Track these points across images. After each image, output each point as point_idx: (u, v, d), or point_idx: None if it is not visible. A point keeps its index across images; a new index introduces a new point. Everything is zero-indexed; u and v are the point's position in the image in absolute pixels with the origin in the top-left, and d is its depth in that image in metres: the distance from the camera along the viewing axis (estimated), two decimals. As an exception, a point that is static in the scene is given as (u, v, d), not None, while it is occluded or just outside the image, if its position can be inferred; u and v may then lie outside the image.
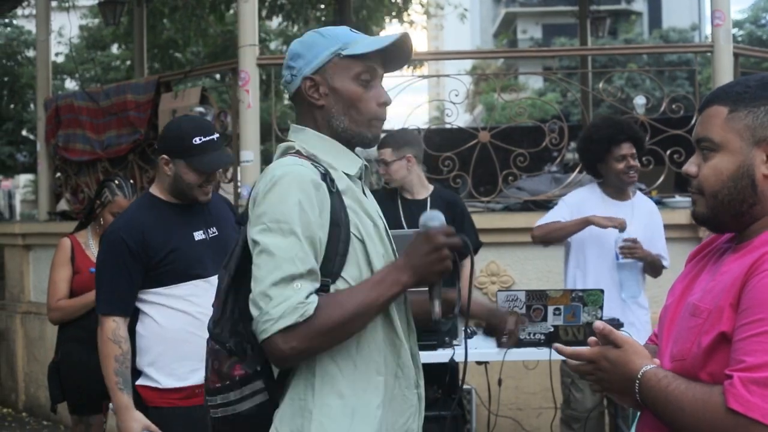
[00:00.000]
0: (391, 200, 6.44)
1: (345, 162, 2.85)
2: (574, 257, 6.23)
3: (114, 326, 4.34)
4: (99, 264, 4.52)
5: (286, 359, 2.60)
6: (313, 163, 2.75)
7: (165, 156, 4.49)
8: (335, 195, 2.72)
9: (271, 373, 2.75)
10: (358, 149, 2.95)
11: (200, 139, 4.41)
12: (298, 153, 2.82)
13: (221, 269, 2.89)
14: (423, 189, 6.46)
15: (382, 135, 6.57)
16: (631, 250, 5.91)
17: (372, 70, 2.84)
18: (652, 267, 6.10)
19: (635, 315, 6.06)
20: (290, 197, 2.60)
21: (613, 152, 6.06)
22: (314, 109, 2.86)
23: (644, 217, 6.16)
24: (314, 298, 2.56)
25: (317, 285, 2.61)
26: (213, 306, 2.90)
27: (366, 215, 2.83)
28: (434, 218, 2.75)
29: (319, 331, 2.55)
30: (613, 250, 6.00)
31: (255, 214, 2.65)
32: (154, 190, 4.61)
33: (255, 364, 2.75)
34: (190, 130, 4.47)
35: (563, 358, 5.26)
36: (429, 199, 6.41)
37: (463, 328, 2.96)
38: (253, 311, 2.57)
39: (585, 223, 6.00)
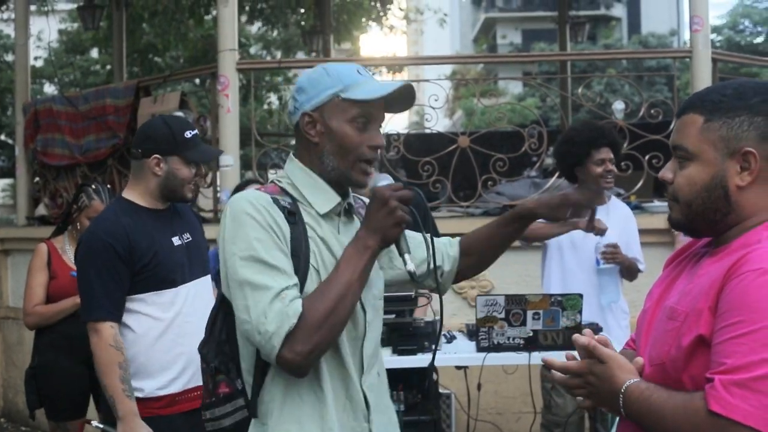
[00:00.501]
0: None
1: (320, 199, 2.91)
2: (552, 261, 6.25)
3: (113, 332, 4.26)
4: (86, 269, 4.37)
5: (300, 366, 2.67)
6: (281, 196, 2.87)
7: (157, 156, 4.44)
8: (297, 226, 2.81)
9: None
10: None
11: (190, 133, 4.47)
12: (273, 183, 2.95)
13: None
14: None
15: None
16: (612, 255, 5.92)
17: (369, 114, 2.88)
18: (629, 271, 6.12)
19: (615, 319, 6.08)
20: (249, 224, 2.72)
21: (593, 156, 6.06)
22: (309, 144, 2.91)
23: (620, 222, 6.18)
24: (298, 301, 2.65)
25: (297, 291, 2.70)
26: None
27: (328, 251, 2.86)
28: (381, 179, 2.87)
29: (315, 325, 2.63)
30: (592, 255, 6.01)
31: (225, 250, 2.75)
32: (129, 195, 4.54)
33: (237, 383, 2.89)
34: (178, 125, 4.49)
35: (541, 362, 5.29)
36: None
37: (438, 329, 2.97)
38: (255, 337, 2.65)
39: (572, 225, 6.00)
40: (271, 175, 2.87)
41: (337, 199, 2.93)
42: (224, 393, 2.92)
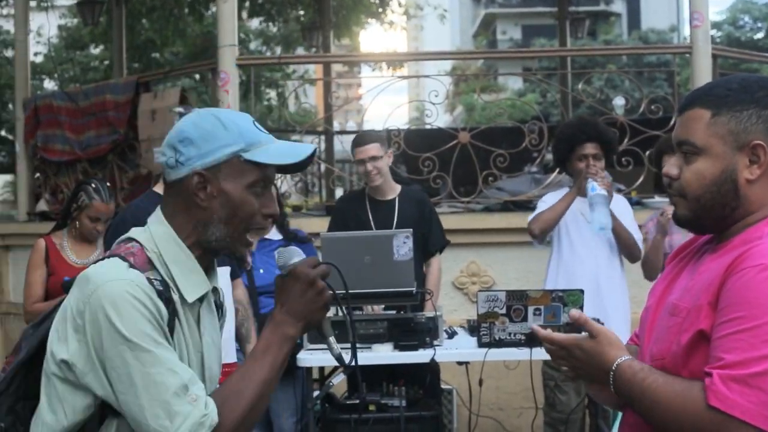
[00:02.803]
0: (360, 202, 6.45)
1: (189, 283, 2.46)
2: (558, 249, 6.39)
3: None
4: None
5: None
6: (153, 274, 2.40)
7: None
8: (171, 316, 2.39)
9: None
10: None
11: None
12: (141, 249, 2.44)
13: (29, 330, 2.61)
14: (392, 189, 6.46)
15: (362, 133, 6.62)
16: (601, 176, 6.09)
17: (267, 179, 2.51)
18: (626, 245, 6.25)
19: (617, 316, 6.10)
20: (131, 312, 2.26)
21: (576, 152, 6.24)
22: (192, 208, 2.46)
23: (615, 210, 6.26)
24: (212, 404, 2.28)
25: (202, 384, 2.33)
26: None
27: (185, 347, 2.45)
28: (293, 254, 2.51)
29: (231, 429, 2.29)
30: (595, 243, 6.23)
31: (102, 337, 2.27)
32: (158, 188, 4.71)
33: None
34: None
35: (545, 358, 5.29)
36: (397, 199, 6.42)
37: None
38: None
39: (569, 198, 6.23)
40: (135, 232, 2.58)
41: (207, 285, 2.52)
42: None
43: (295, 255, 2.51)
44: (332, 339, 2.56)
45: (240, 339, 5.52)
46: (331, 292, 2.51)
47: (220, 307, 2.72)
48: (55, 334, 2.37)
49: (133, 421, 2.26)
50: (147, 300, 2.29)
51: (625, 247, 6.26)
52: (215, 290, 2.64)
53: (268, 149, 2.48)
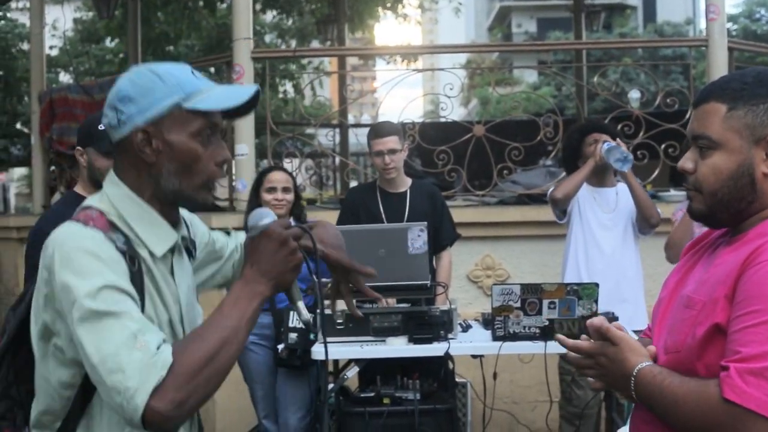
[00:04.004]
0: (371, 194, 6.44)
1: (155, 237, 2.46)
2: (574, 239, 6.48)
3: None
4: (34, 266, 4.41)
5: (171, 418, 2.18)
6: (114, 233, 2.36)
7: (79, 147, 4.72)
8: (136, 273, 2.35)
9: None
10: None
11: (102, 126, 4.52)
12: (101, 213, 2.40)
13: (9, 313, 2.60)
14: (403, 182, 6.45)
15: (381, 123, 6.60)
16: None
17: (213, 125, 2.48)
18: (644, 204, 6.34)
19: (631, 309, 6.12)
20: (85, 269, 2.23)
21: (586, 141, 6.47)
22: (142, 164, 2.44)
23: (629, 199, 6.40)
24: (166, 347, 2.21)
25: (161, 334, 2.27)
26: None
27: (162, 303, 2.45)
28: (265, 215, 2.51)
29: (189, 373, 2.19)
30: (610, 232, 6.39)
31: (58, 296, 2.25)
32: (78, 189, 4.80)
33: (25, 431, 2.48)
34: (92, 118, 4.70)
35: (560, 352, 5.28)
36: (409, 192, 6.41)
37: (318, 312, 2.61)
38: (114, 399, 2.17)
39: (588, 167, 6.37)
40: (92, 199, 2.49)
41: (174, 235, 2.51)
42: None
43: (267, 216, 2.51)
44: (301, 303, 2.54)
45: None
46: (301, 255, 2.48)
47: (191, 249, 2.71)
48: (33, 306, 2.38)
49: (94, 380, 2.23)
50: (102, 252, 2.27)
51: (643, 207, 6.32)
52: (185, 239, 2.63)
53: (208, 96, 2.45)
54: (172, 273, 2.52)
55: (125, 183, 2.46)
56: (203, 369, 2.22)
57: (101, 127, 4.46)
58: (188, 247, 2.67)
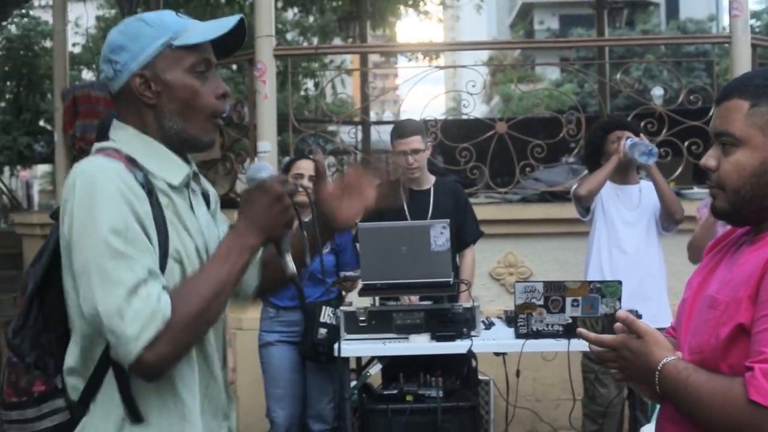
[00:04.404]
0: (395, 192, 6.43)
1: (169, 169, 2.52)
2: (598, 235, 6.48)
3: None
4: None
5: (159, 369, 2.30)
6: (130, 167, 2.42)
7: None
8: (156, 207, 2.41)
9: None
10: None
11: None
12: (116, 152, 2.47)
13: (29, 269, 2.61)
14: (427, 180, 6.44)
15: (404, 122, 6.58)
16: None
17: (207, 61, 2.55)
18: (668, 199, 6.34)
19: (655, 308, 6.10)
20: (106, 198, 2.30)
21: (609, 139, 6.46)
22: (144, 108, 2.51)
23: (652, 196, 6.40)
24: (166, 298, 2.29)
25: (163, 281, 2.33)
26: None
27: (186, 233, 2.51)
28: (262, 169, 2.55)
29: (182, 328, 2.29)
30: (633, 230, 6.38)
31: (72, 225, 2.32)
32: None
33: (57, 381, 2.51)
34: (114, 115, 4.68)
35: (582, 350, 5.27)
36: (432, 190, 6.40)
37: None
38: (108, 337, 2.26)
39: (612, 164, 6.35)
40: (101, 144, 2.58)
41: (186, 168, 2.57)
42: (39, 392, 2.50)
43: (265, 170, 2.55)
44: (288, 257, 2.57)
45: None
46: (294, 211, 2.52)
47: (207, 195, 2.77)
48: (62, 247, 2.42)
49: (89, 316, 2.29)
50: (124, 184, 2.34)
51: (668, 202, 6.32)
52: (196, 176, 2.69)
53: (195, 31, 2.52)
54: (191, 208, 2.59)
55: (131, 126, 2.54)
56: (195, 323, 2.33)
57: None
58: (204, 191, 2.75)
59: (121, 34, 2.52)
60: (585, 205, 6.44)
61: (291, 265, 2.57)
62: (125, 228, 2.29)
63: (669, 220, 6.33)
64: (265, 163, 2.61)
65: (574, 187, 6.55)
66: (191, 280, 2.40)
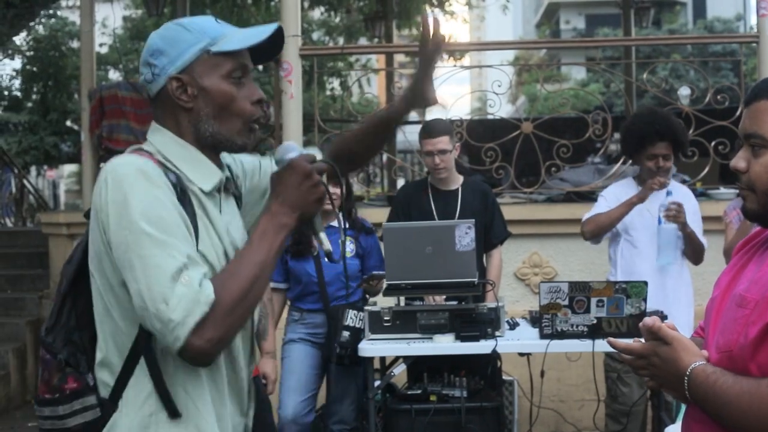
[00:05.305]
0: (422, 191, 6.43)
1: (202, 174, 2.57)
2: (620, 245, 6.31)
3: None
4: None
5: (208, 354, 2.34)
6: (165, 169, 2.49)
7: None
8: (186, 207, 2.46)
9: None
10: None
11: None
12: (149, 154, 2.54)
13: (64, 268, 2.67)
14: (455, 180, 6.43)
15: (433, 122, 6.56)
16: (675, 212, 5.91)
17: (243, 67, 2.59)
18: (692, 246, 6.12)
19: (681, 308, 6.05)
20: (139, 190, 2.36)
21: (647, 149, 6.14)
22: (180, 111, 2.56)
23: (686, 210, 6.14)
24: (207, 283, 2.33)
25: (204, 268, 2.39)
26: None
27: (216, 236, 2.55)
28: (290, 149, 2.63)
29: (228, 311, 2.33)
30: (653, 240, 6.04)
31: (108, 221, 2.39)
32: None
33: (89, 378, 2.54)
34: None
35: (606, 350, 5.25)
36: (460, 190, 6.39)
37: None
38: (155, 325, 2.29)
39: (628, 206, 6.08)
40: (138, 146, 2.69)
41: (219, 173, 2.62)
42: (71, 389, 2.53)
43: (293, 150, 2.62)
44: (323, 235, 2.63)
45: (257, 334, 5.57)
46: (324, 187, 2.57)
47: (238, 196, 2.81)
48: (91, 245, 2.50)
49: (138, 308, 2.33)
50: (155, 177, 2.41)
51: (693, 253, 6.17)
52: (229, 180, 2.73)
53: (233, 38, 2.56)
54: (221, 212, 2.63)
55: (168, 129, 2.59)
56: (238, 306, 2.37)
57: None
58: (235, 192, 2.79)
59: (161, 39, 2.57)
60: (588, 241, 6.37)
61: (326, 243, 2.62)
62: (159, 217, 2.34)
63: (692, 261, 6.25)
64: (292, 143, 2.66)
65: (584, 219, 6.32)
66: (230, 265, 2.45)
